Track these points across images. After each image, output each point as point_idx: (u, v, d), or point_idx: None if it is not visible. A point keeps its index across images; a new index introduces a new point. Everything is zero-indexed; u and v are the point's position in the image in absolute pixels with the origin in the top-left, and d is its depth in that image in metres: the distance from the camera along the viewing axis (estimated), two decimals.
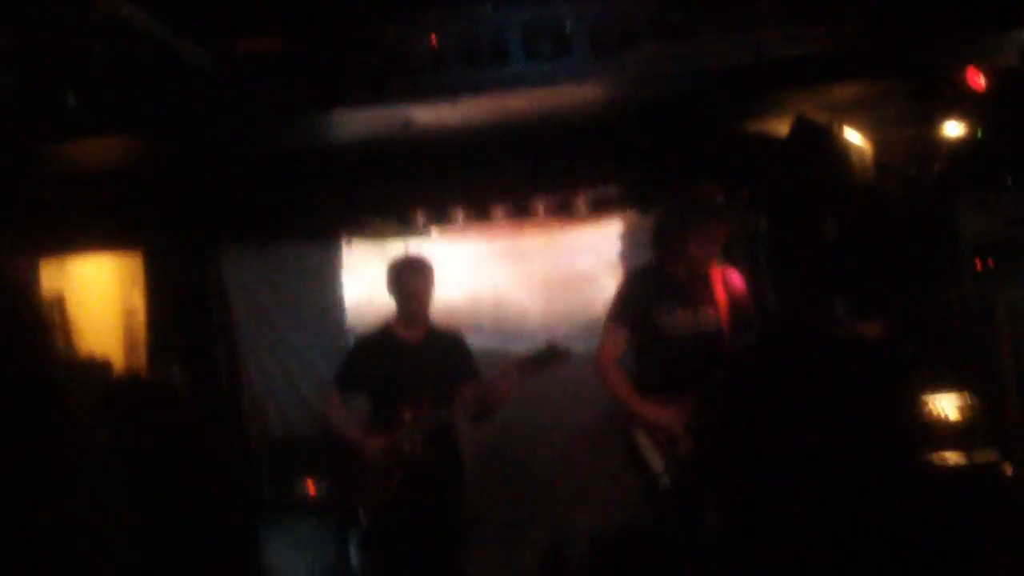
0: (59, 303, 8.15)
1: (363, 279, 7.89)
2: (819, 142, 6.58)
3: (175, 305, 7.95)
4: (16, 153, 6.80)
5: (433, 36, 6.10)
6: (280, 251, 7.99)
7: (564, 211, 7.79)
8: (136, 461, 3.93)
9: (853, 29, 5.97)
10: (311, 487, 7.02)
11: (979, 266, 6.81)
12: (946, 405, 6.34)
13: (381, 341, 6.09)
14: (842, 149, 6.62)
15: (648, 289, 5.60)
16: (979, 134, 6.75)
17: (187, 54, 5.93)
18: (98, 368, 7.31)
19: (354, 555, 6.72)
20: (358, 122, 6.69)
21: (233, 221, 7.92)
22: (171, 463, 6.08)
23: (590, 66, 6.07)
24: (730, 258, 6.25)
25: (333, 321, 7.91)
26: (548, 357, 5.85)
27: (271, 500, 7.20)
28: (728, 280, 5.66)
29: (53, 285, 8.20)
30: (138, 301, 8.48)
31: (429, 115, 6.56)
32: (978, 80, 6.27)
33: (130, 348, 8.77)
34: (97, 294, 8.78)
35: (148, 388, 7.04)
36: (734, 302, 5.61)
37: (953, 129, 6.81)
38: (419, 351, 5.97)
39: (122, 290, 8.91)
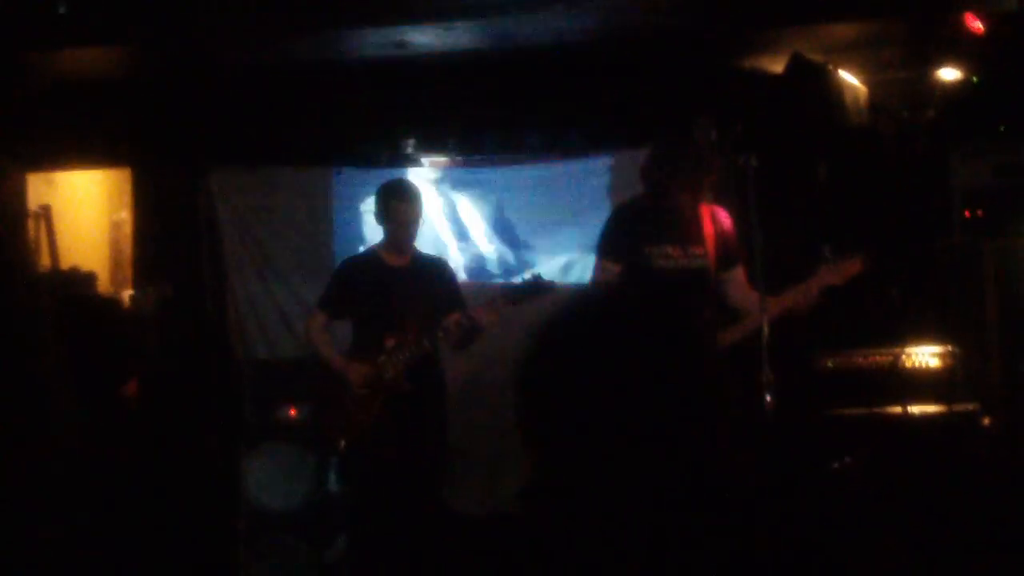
0: (45, 216, 8.15)
1: (351, 205, 7.86)
2: (814, 81, 6.53)
3: (162, 222, 7.91)
4: (4, 62, 6.75)
5: None
6: (270, 173, 7.92)
7: (555, 144, 7.73)
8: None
9: None
10: (292, 411, 7.03)
11: (967, 215, 6.79)
12: (928, 356, 6.37)
13: (367, 266, 6.09)
14: (837, 89, 6.57)
15: (637, 224, 5.58)
16: (974, 80, 6.71)
17: None
18: (82, 279, 7.32)
19: (333, 481, 6.76)
20: (351, 43, 6.66)
21: (223, 141, 7.86)
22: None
23: None
24: (719, 195, 6.23)
25: (321, 245, 7.87)
26: (534, 288, 5.86)
27: (252, 423, 7.21)
28: (716, 217, 5.65)
29: (40, 198, 8.18)
30: (125, 217, 8.46)
31: (422, 38, 6.51)
32: (976, 24, 6.23)
33: (115, 263, 8.76)
34: (84, 208, 8.75)
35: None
36: (721, 239, 5.60)
37: (948, 74, 6.78)
38: (405, 277, 5.97)
39: (109, 205, 8.89)
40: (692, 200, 5.56)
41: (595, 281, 5.71)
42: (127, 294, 7.79)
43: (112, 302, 7.49)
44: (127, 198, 8.37)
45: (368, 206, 6.26)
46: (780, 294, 5.45)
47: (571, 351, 4.64)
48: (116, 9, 6.35)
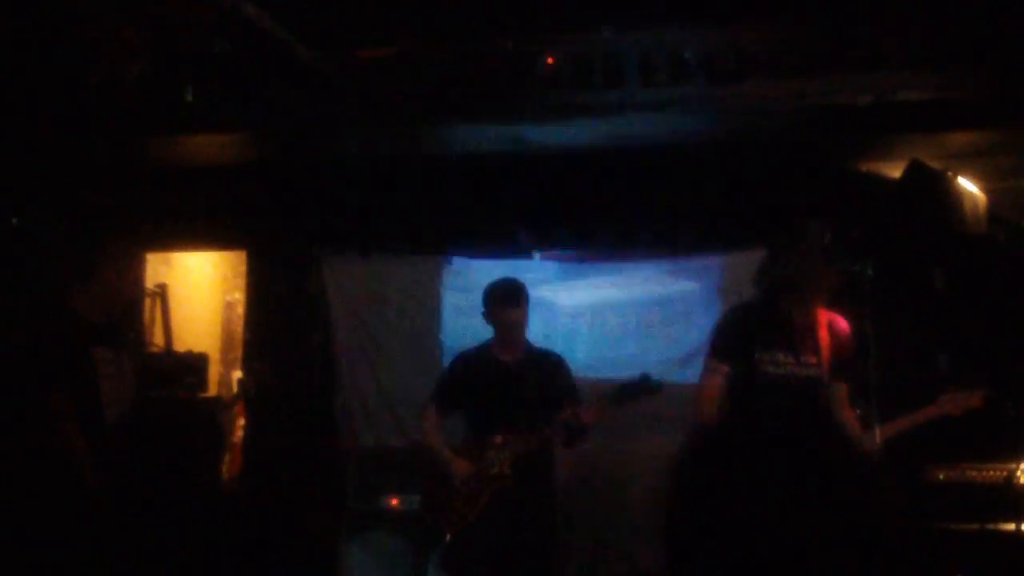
0: (162, 295, 8.33)
1: (462, 296, 7.91)
2: (933, 187, 6.47)
3: (274, 305, 8.03)
4: (130, 145, 6.95)
5: (550, 56, 6.10)
6: (381, 261, 8.02)
7: (667, 241, 7.74)
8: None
9: (973, 77, 5.88)
10: (394, 501, 7.06)
11: None
12: None
13: (480, 361, 6.11)
14: (955, 196, 6.50)
15: (750, 328, 5.52)
16: None
17: (305, 57, 5.99)
18: (195, 360, 7.44)
19: (432, 573, 6.74)
20: (468, 136, 6.75)
21: (337, 227, 7.98)
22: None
23: (706, 95, 6.06)
24: (834, 301, 6.17)
25: (429, 335, 7.92)
26: (642, 388, 5.83)
27: (354, 510, 7.23)
28: (833, 326, 5.57)
29: (157, 277, 8.37)
30: (239, 298, 8.61)
31: (540, 134, 6.58)
32: None
33: (227, 343, 8.90)
34: (199, 289, 8.92)
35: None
36: (837, 349, 5.51)
37: None
38: (517, 373, 5.98)
39: (223, 286, 9.05)
40: (806, 306, 5.50)
41: (706, 381, 5.65)
42: (237, 375, 7.92)
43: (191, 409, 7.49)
44: (241, 280, 8.52)
45: (475, 299, 6.32)
46: (891, 421, 5.35)
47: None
48: (239, 97, 6.50)
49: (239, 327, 8.60)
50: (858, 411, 5.36)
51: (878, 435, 5.13)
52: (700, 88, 6.03)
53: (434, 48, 6.30)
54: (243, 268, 8.43)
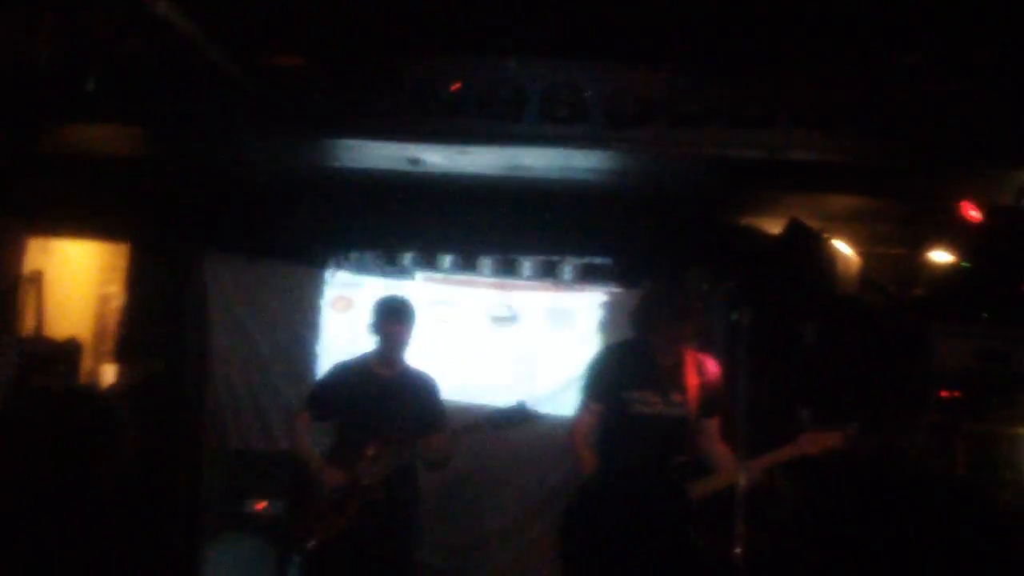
0: (37, 281, 8.17)
1: (340, 308, 7.94)
2: (810, 246, 6.69)
3: (153, 301, 7.95)
4: (25, 129, 6.84)
5: (455, 82, 6.18)
6: (265, 267, 8.03)
7: (550, 275, 7.87)
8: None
9: (860, 145, 6.11)
10: (259, 505, 7.03)
11: (945, 395, 6.90)
12: None
13: (357, 373, 6.17)
14: (830, 257, 6.73)
15: (622, 367, 5.68)
16: (963, 265, 6.88)
17: (214, 59, 5.97)
18: (67, 347, 7.31)
19: None
20: (366, 153, 6.77)
21: (224, 229, 7.94)
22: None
23: (602, 135, 6.18)
24: (709, 346, 6.34)
25: (305, 344, 7.94)
26: (518, 416, 5.94)
27: (219, 511, 7.19)
28: (702, 367, 5.75)
29: (34, 263, 8.20)
30: (115, 291, 8.49)
31: (437, 158, 6.65)
32: (972, 213, 6.41)
33: (99, 335, 8.76)
34: (76, 278, 8.77)
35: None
36: (705, 390, 5.69)
37: (939, 256, 6.95)
38: (392, 389, 6.07)
39: (101, 278, 8.91)
40: (677, 347, 5.66)
41: (577, 420, 5.80)
42: (108, 368, 7.81)
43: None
44: (119, 273, 8.41)
45: (354, 314, 6.40)
46: (756, 457, 5.52)
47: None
48: (139, 92, 6.45)
49: (113, 320, 8.47)
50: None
51: (746, 470, 5.30)
52: (598, 128, 6.15)
53: (343, 63, 6.33)
54: (123, 261, 8.33)
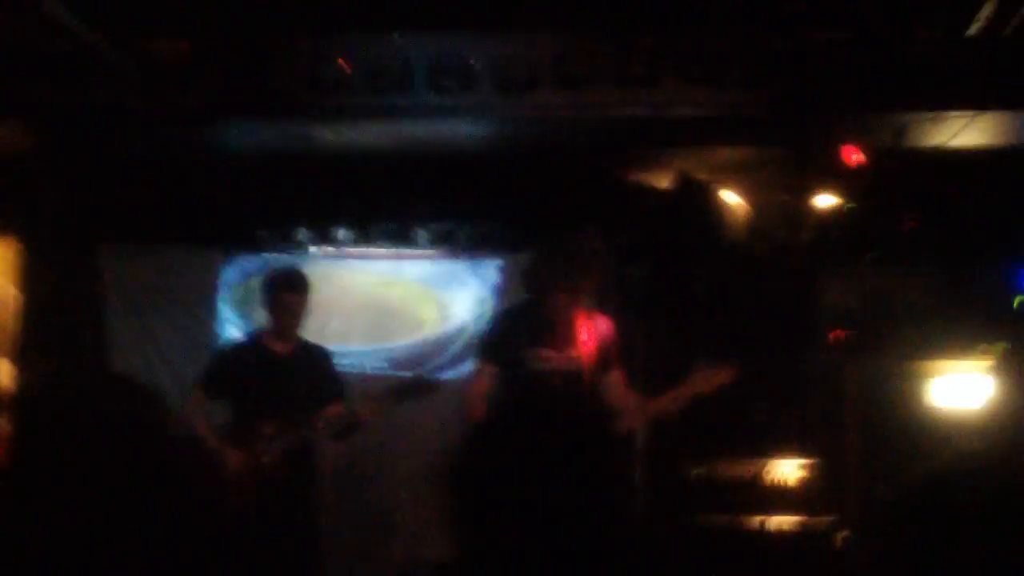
0: None
1: (239, 288, 7.93)
2: (699, 199, 6.78)
3: (49, 296, 7.85)
4: None
5: (342, 59, 6.16)
6: (161, 253, 7.99)
7: (445, 243, 7.91)
8: None
9: (742, 97, 6.19)
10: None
11: (833, 337, 7.06)
12: (787, 471, 6.62)
13: (250, 350, 6.09)
14: (719, 208, 6.83)
15: (516, 328, 5.72)
16: (848, 207, 7.01)
17: (97, 47, 5.89)
18: None
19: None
20: (256, 134, 6.74)
21: (118, 218, 7.85)
22: None
23: (491, 103, 6.22)
24: (602, 303, 6.40)
25: (204, 326, 7.93)
26: (418, 387, 5.96)
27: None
28: (596, 324, 5.81)
29: None
30: (10, 290, 8.35)
31: (329, 135, 6.66)
32: (853, 157, 6.54)
33: None
34: None
35: None
36: (601, 345, 5.75)
37: (824, 201, 7.08)
38: (287, 365, 5.97)
39: None
40: (570, 305, 5.72)
41: (473, 382, 5.82)
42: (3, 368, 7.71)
43: None
44: (9, 268, 8.26)
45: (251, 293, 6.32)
46: (655, 398, 5.62)
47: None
48: (17, 82, 6.35)
49: (6, 318, 8.34)
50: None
51: (645, 410, 5.41)
52: (487, 96, 6.18)
53: (228, 44, 6.28)
54: (11, 256, 8.19)
